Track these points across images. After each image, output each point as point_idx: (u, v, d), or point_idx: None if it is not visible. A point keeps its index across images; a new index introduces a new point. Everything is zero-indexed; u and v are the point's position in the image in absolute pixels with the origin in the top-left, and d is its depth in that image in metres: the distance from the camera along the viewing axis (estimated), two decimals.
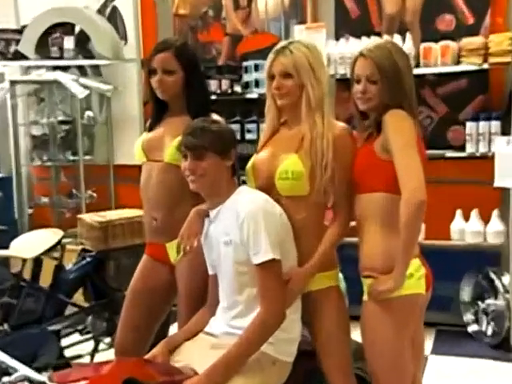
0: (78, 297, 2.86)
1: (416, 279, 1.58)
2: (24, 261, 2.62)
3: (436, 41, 3.19)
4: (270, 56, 1.70)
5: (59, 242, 2.73)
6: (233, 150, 1.66)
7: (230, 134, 1.70)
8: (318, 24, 3.41)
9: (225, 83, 3.69)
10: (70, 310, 2.78)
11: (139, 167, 2.04)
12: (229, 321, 1.64)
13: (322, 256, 1.66)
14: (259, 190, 1.70)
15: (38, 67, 4.15)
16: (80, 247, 2.90)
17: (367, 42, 3.16)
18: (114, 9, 4.26)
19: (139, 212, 2.80)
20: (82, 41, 4.31)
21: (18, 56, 4.19)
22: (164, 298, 1.99)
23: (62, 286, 2.71)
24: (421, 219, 1.51)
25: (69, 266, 2.81)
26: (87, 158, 4.30)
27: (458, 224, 3.21)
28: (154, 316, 2.01)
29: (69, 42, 4.19)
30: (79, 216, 2.98)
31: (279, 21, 3.81)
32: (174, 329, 2.07)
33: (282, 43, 1.71)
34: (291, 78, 1.65)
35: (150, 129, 1.98)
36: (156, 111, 1.97)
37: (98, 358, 2.77)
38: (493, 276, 3.14)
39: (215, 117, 1.88)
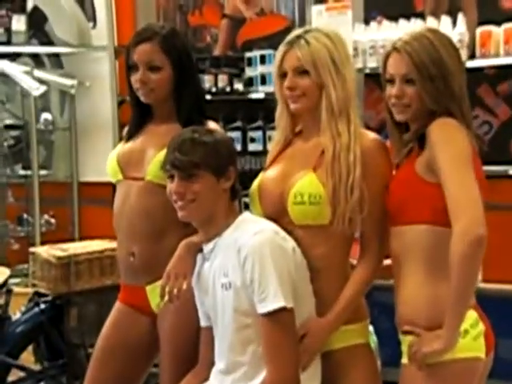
0: (27, 357, 2.88)
1: (472, 338, 1.58)
2: None
3: (498, 23, 3.20)
4: (282, 48, 1.75)
5: (4, 284, 2.75)
6: (231, 168, 1.71)
7: (228, 147, 1.74)
8: (343, 3, 3.47)
9: (222, 79, 3.75)
10: (15, 375, 2.80)
11: (112, 186, 2.08)
12: None
13: (348, 303, 1.69)
14: (266, 217, 1.74)
15: None
16: (32, 290, 2.93)
17: (406, 27, 3.30)
18: None
19: (111, 244, 2.85)
20: (37, 21, 4.40)
21: None
22: (143, 356, 2.01)
23: (5, 342, 2.74)
24: (479, 259, 1.52)
25: (16, 315, 2.84)
26: (43, 173, 4.36)
27: None
28: (130, 380, 2.02)
29: (19, 23, 4.26)
30: (32, 249, 3.02)
31: None
32: None
33: (297, 32, 1.76)
34: (308, 75, 1.70)
35: (129, 138, 2.03)
36: (136, 116, 2.02)
37: None
38: None
39: (211, 125, 1.93)
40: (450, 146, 1.57)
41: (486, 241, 1.49)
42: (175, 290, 1.73)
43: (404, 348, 1.64)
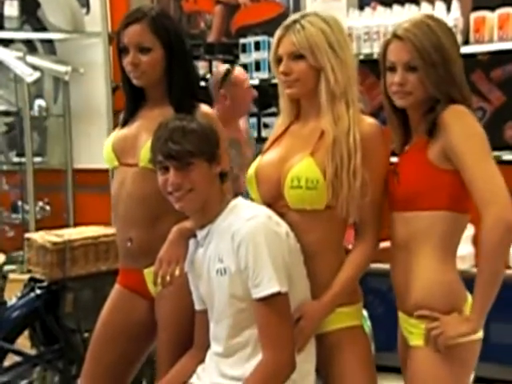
0: (23, 341, 2.89)
1: None
2: None
3: (492, 8, 3.21)
4: (278, 33, 1.74)
5: None
6: (219, 152, 1.71)
7: (214, 131, 1.73)
8: None
9: (217, 66, 3.74)
10: (11, 360, 2.81)
11: (107, 172, 2.08)
12: (224, 370, 1.68)
13: (344, 286, 1.70)
14: (263, 201, 1.75)
15: None
16: (27, 276, 2.93)
17: (400, 13, 3.29)
18: None
19: (106, 230, 2.85)
20: (30, 7, 4.37)
21: None
22: (141, 340, 2.02)
23: (1, 327, 2.73)
24: (510, 245, 1.56)
25: (12, 300, 2.84)
26: (38, 160, 4.35)
27: None
28: (129, 364, 2.04)
29: (11, 8, 4.23)
30: (27, 235, 3.02)
31: None
32: None
33: (294, 17, 1.75)
34: (303, 60, 1.70)
35: (124, 124, 2.02)
36: (130, 101, 2.01)
37: None
38: None
39: (204, 108, 1.92)
40: (469, 135, 1.59)
41: None
42: (168, 277, 1.74)
43: (415, 331, 1.66)
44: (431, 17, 1.72)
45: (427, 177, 1.64)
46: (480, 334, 1.63)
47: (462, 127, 1.59)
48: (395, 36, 1.67)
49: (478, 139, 1.59)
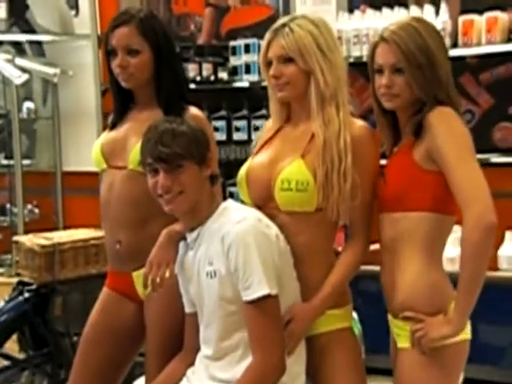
0: (12, 345, 2.87)
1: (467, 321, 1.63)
2: None
3: (480, 12, 3.24)
4: (267, 37, 1.75)
5: None
6: (209, 154, 1.71)
7: (204, 133, 1.73)
8: None
9: (207, 68, 3.75)
10: None
11: (96, 175, 2.08)
12: (214, 373, 1.68)
13: (334, 288, 1.70)
14: (254, 203, 1.75)
15: None
16: (15, 279, 2.92)
17: (389, 16, 3.31)
18: None
19: (96, 233, 2.85)
20: (18, 9, 4.36)
21: None
22: (130, 341, 2.02)
23: None
24: (491, 245, 1.55)
25: (0, 304, 2.83)
26: (26, 162, 4.33)
27: (508, 249, 3.26)
28: (116, 367, 2.03)
29: (0, 10, 4.23)
30: (15, 238, 3.01)
31: None
32: None
33: (283, 20, 1.76)
34: (293, 63, 1.70)
35: (113, 126, 2.02)
36: (118, 104, 2.01)
37: None
38: None
39: (193, 110, 1.93)
40: (454, 136, 1.59)
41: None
42: (157, 280, 1.74)
43: (401, 333, 1.67)
44: (418, 19, 1.74)
45: (412, 177, 1.65)
46: (467, 336, 1.64)
47: (447, 128, 1.60)
48: (382, 39, 1.68)
49: (462, 141, 1.59)
